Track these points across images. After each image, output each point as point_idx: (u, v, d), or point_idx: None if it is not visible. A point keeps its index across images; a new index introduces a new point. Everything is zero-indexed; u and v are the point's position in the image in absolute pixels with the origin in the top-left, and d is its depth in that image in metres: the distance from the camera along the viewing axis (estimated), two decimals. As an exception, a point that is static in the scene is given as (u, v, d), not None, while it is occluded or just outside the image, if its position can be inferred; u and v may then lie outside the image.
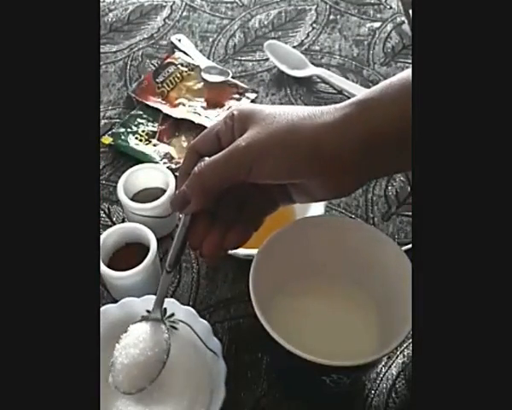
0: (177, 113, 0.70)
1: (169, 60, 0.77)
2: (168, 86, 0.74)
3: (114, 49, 0.81)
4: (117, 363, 0.43)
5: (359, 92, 0.72)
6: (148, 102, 0.71)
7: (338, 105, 0.38)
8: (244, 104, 0.43)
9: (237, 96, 0.73)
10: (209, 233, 0.41)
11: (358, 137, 0.37)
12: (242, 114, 0.40)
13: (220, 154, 0.39)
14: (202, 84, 0.74)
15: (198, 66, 0.76)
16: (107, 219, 0.60)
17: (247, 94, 0.73)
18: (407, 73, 0.37)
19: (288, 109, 0.39)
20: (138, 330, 0.44)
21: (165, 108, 0.71)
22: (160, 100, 0.72)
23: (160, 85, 0.73)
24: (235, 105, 0.71)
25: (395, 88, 0.37)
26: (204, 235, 0.41)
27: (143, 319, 0.46)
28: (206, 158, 0.40)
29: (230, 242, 0.42)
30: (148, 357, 0.43)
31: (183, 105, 0.72)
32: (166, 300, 0.48)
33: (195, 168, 0.40)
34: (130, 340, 0.44)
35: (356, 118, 0.37)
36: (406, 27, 0.84)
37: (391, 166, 0.40)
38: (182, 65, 0.76)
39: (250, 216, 0.43)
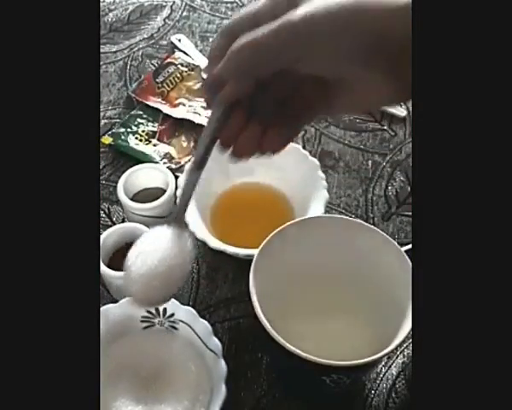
0: (177, 113, 0.70)
1: (169, 60, 0.77)
2: (168, 86, 0.74)
3: (114, 49, 0.81)
4: (132, 272, 0.37)
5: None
6: (148, 102, 0.71)
7: None
8: None
9: (237, 96, 0.73)
10: (245, 129, 0.35)
11: None
12: None
13: (266, 28, 0.31)
14: (202, 84, 0.74)
15: (198, 66, 0.76)
16: (107, 219, 0.60)
17: (247, 94, 0.73)
18: None
19: None
20: (159, 234, 0.38)
21: (166, 108, 0.71)
22: (160, 100, 0.72)
23: (160, 85, 0.73)
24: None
25: None
26: (239, 130, 0.35)
27: (165, 221, 0.39)
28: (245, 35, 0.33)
29: (270, 142, 0.36)
30: (171, 267, 0.37)
31: (183, 105, 0.72)
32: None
33: (234, 45, 0.32)
34: (149, 246, 0.38)
35: None
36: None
37: None
38: (182, 65, 0.76)
39: (288, 120, 0.37)
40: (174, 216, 0.38)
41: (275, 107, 0.36)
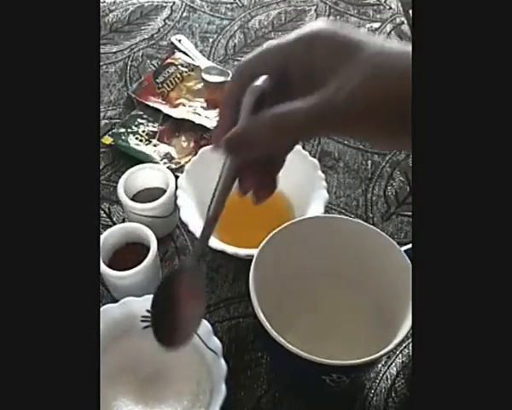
0: (178, 113, 0.70)
1: (169, 60, 0.77)
2: (168, 87, 0.74)
3: (115, 50, 0.81)
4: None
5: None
6: (148, 103, 0.71)
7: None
8: (323, 25, 0.32)
9: (237, 96, 0.73)
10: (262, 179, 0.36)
11: None
12: (333, 41, 0.31)
13: (313, 99, 0.30)
14: (202, 84, 0.74)
15: (198, 66, 0.76)
16: (107, 219, 0.60)
17: (247, 94, 0.73)
18: None
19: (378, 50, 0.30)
20: None
21: (166, 109, 0.71)
22: (160, 100, 0.72)
23: (160, 86, 0.74)
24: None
25: None
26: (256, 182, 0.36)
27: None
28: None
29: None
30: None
31: (184, 105, 0.72)
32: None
33: (274, 110, 0.31)
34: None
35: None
36: (406, 28, 0.84)
37: None
38: (182, 65, 0.76)
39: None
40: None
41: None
